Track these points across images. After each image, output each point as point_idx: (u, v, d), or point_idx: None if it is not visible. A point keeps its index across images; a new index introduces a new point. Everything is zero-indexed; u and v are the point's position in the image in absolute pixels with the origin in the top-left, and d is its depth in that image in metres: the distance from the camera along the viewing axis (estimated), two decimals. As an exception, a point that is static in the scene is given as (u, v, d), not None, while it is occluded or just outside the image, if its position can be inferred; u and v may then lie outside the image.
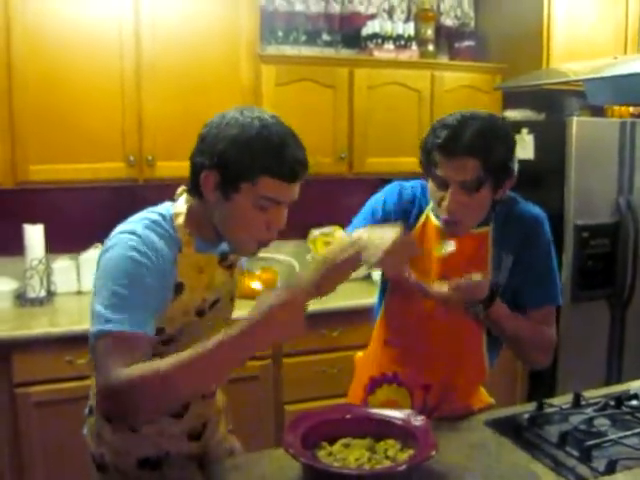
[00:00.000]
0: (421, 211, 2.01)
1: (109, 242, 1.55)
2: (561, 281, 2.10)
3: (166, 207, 1.67)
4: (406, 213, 2.01)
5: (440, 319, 1.96)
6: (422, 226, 1.99)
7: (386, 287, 2.11)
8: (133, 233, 1.53)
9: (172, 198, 1.73)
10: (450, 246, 1.87)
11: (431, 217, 1.98)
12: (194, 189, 1.61)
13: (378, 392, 2.10)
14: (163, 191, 2.81)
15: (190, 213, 1.63)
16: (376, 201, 2.07)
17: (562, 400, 2.08)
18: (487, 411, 2.07)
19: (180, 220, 1.61)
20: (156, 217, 1.61)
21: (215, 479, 1.72)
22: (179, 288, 1.59)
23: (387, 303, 2.10)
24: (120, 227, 1.58)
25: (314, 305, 2.14)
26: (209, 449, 1.88)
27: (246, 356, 1.42)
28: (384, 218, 1.99)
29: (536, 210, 2.03)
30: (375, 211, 2.04)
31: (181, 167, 3.45)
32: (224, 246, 1.70)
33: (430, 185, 1.88)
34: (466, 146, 1.75)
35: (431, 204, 1.96)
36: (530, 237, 1.97)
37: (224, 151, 1.51)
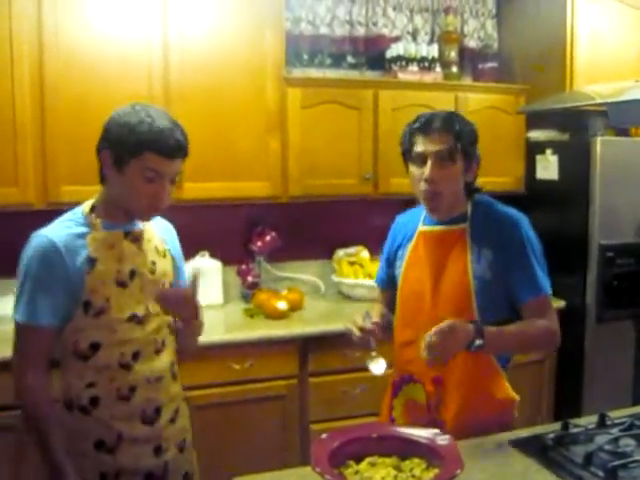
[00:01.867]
0: (416, 227, 2.27)
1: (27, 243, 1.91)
2: (585, 296, 2.15)
3: (82, 204, 2.01)
4: (402, 239, 2.31)
5: (442, 318, 2.04)
6: (417, 238, 2.25)
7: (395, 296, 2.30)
8: (41, 237, 1.87)
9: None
10: (380, 368, 2.07)
11: (422, 228, 2.24)
12: (100, 172, 1.96)
13: (400, 395, 2.26)
14: (189, 212, 2.87)
15: (98, 202, 1.98)
16: (385, 245, 2.43)
17: (587, 420, 2.07)
18: (508, 410, 2.16)
19: (87, 209, 1.96)
20: (69, 215, 1.97)
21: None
22: (92, 262, 1.88)
23: (398, 309, 2.27)
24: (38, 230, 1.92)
25: (339, 325, 2.19)
26: (167, 435, 2.03)
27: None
28: (387, 257, 2.38)
29: (512, 212, 2.18)
30: (383, 254, 2.43)
31: (209, 188, 3.55)
32: (134, 225, 2.00)
33: (411, 170, 2.15)
34: (440, 124, 2.08)
35: (423, 215, 2.24)
36: (506, 236, 2.11)
37: (116, 134, 1.87)
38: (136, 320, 1.95)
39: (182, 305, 2.00)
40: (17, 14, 3.03)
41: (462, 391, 2.11)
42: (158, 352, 2.01)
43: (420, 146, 2.09)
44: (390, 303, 2.35)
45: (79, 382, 1.91)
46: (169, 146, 1.85)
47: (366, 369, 2.11)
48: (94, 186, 3.12)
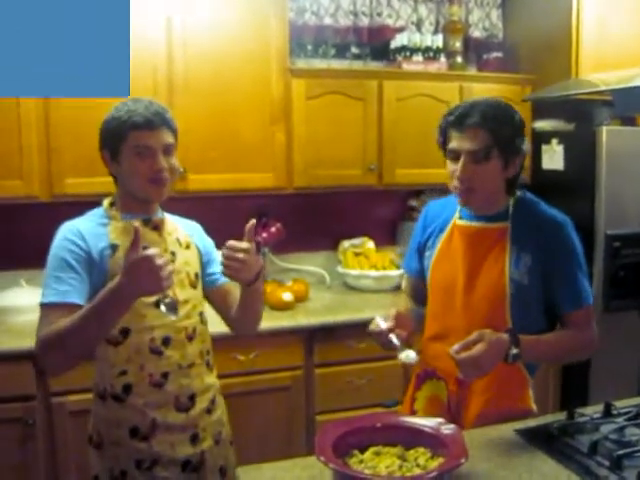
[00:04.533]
0: (449, 218, 2.17)
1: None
2: (591, 286, 2.13)
3: (103, 202, 2.11)
4: (433, 228, 2.22)
5: (474, 317, 2.02)
6: (451, 230, 2.15)
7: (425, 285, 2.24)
8: (67, 226, 1.98)
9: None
10: (411, 358, 1.92)
11: (459, 222, 2.14)
12: (110, 173, 2.07)
13: (424, 387, 2.20)
14: (194, 203, 2.87)
15: (116, 198, 2.08)
16: (414, 231, 2.33)
17: (593, 409, 2.07)
18: (524, 418, 2.07)
19: (106, 204, 2.07)
20: (94, 209, 2.08)
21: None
22: (114, 248, 1.97)
23: (429, 301, 2.21)
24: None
25: (345, 317, 2.18)
26: (203, 425, 2.06)
27: (118, 309, 1.77)
28: (418, 245, 2.27)
29: (558, 215, 2.08)
30: (414, 239, 2.31)
31: (213, 179, 3.54)
32: (153, 215, 2.07)
33: (447, 164, 2.04)
34: (476, 119, 1.93)
35: (459, 208, 2.13)
36: (550, 241, 2.02)
37: (104, 132, 2.01)
38: None
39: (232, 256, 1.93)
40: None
41: (487, 396, 2.05)
42: (190, 339, 2.06)
43: (454, 142, 1.98)
44: (419, 292, 2.28)
45: (111, 370, 1.97)
46: (146, 118, 1.93)
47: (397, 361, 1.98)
48: (98, 178, 3.13)
